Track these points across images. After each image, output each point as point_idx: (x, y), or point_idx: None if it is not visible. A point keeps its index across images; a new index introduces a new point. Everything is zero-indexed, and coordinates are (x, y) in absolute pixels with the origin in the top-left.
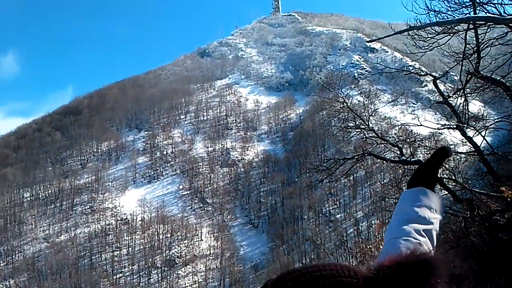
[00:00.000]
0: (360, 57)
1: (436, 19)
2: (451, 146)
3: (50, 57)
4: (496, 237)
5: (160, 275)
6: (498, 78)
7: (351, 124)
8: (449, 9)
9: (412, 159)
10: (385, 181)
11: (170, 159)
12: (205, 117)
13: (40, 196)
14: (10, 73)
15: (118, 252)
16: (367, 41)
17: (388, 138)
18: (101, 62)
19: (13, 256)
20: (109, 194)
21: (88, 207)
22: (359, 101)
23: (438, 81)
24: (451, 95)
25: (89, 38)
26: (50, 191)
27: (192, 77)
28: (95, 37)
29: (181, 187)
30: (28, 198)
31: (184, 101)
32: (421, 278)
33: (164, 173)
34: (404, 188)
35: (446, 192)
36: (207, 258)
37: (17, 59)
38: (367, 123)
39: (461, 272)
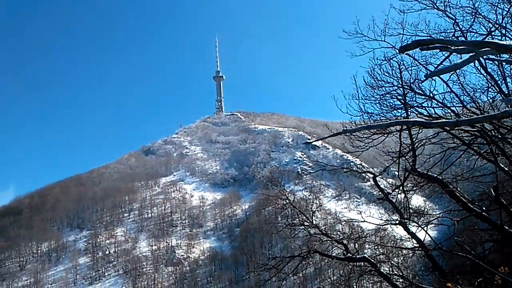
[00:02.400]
0: (303, 153)
1: (369, 120)
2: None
3: None
4: None
5: None
6: (435, 175)
7: (296, 221)
8: (382, 111)
9: (358, 256)
10: (334, 277)
11: (112, 259)
12: (150, 215)
13: None
14: None
15: None
16: (306, 142)
17: (333, 234)
18: (44, 161)
19: None
20: None
21: None
22: (303, 196)
23: (379, 177)
24: (391, 191)
25: (30, 138)
26: None
27: (136, 175)
28: (37, 136)
29: None
30: None
31: (128, 199)
32: None
33: (106, 274)
34: (353, 285)
35: None
36: None
37: None
38: (311, 220)
39: None
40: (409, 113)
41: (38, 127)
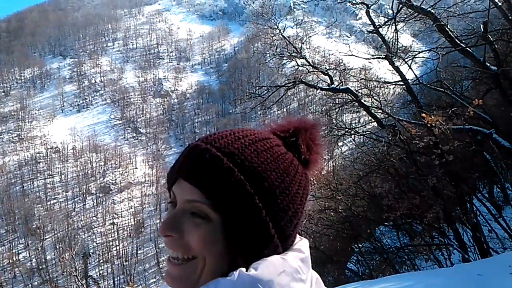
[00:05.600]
0: None
1: None
2: (380, 77)
3: None
4: (414, 160)
5: (95, 201)
6: (428, 8)
7: (285, 53)
8: None
9: (342, 87)
10: (316, 111)
11: (99, 88)
12: (135, 45)
13: None
14: None
15: (50, 179)
16: None
17: (320, 68)
18: None
19: None
20: (36, 123)
21: (16, 135)
22: (294, 33)
23: (371, 11)
24: (383, 25)
25: None
26: None
27: (118, 2)
28: None
29: (112, 116)
30: None
31: (111, 27)
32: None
33: (93, 102)
34: (333, 117)
35: (373, 120)
36: (143, 185)
37: None
38: (299, 51)
39: (381, 191)
40: None
41: None
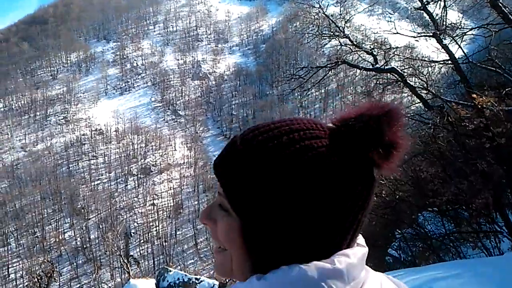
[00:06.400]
0: None
1: None
2: (425, 56)
3: None
4: (462, 143)
5: (136, 182)
6: None
7: (326, 32)
8: None
9: (386, 67)
10: (357, 93)
11: (140, 71)
12: (175, 28)
13: (13, 106)
14: None
15: (94, 160)
16: None
17: (363, 47)
18: None
19: None
20: (82, 105)
21: (62, 117)
22: (334, 11)
23: None
24: (430, 0)
25: None
26: (23, 102)
27: None
28: None
29: (153, 99)
30: (1, 109)
31: (152, 10)
32: (384, 125)
33: (135, 85)
34: (375, 98)
35: (418, 101)
36: (181, 167)
37: None
38: (342, 30)
39: (426, 176)
40: None
41: None
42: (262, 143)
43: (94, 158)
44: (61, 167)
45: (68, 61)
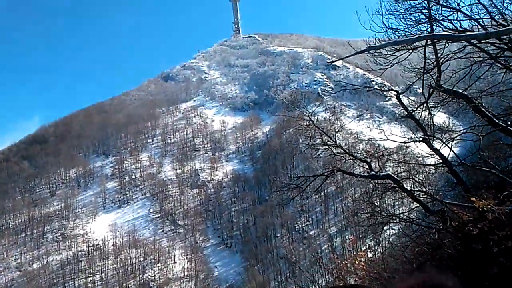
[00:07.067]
0: (323, 74)
1: (394, 36)
2: (419, 159)
3: (15, 88)
4: (470, 247)
5: None
6: (460, 91)
7: (318, 141)
8: (407, 26)
9: (381, 174)
10: (356, 195)
11: (139, 183)
12: (172, 140)
13: (10, 225)
14: None
15: (91, 278)
16: (328, 62)
17: (356, 153)
18: (66, 90)
19: None
20: (79, 221)
21: (59, 234)
22: (324, 118)
23: (401, 95)
24: (415, 109)
25: (52, 67)
26: (20, 220)
27: (157, 101)
28: (59, 65)
29: (151, 210)
30: None
31: (150, 125)
32: None
33: (134, 197)
34: (375, 203)
35: (417, 205)
36: (182, 281)
37: None
38: (334, 139)
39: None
40: (434, 27)
41: (58, 57)
42: None
43: (91, 275)
44: (56, 287)
45: (67, 177)
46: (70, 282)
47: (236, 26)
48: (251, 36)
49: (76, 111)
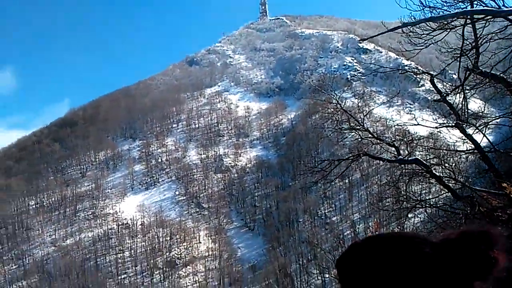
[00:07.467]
0: (353, 58)
1: (431, 15)
2: (450, 144)
3: (46, 72)
4: None
5: (162, 275)
6: (499, 74)
7: (345, 126)
8: (445, 4)
9: (410, 158)
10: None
11: (165, 167)
12: (197, 125)
13: (44, 203)
14: (8, 88)
15: (121, 254)
16: (359, 40)
17: (384, 139)
18: (94, 75)
19: (24, 260)
20: (109, 201)
21: (90, 213)
22: (353, 103)
23: (435, 79)
24: (450, 92)
25: (80, 52)
26: (53, 199)
27: (182, 86)
28: (87, 50)
29: (177, 193)
30: (33, 206)
31: (176, 110)
32: (483, 246)
33: (160, 180)
34: (402, 188)
35: (445, 191)
36: (206, 259)
37: (15, 75)
38: (361, 123)
39: None
40: (474, 5)
41: (88, 40)
42: (380, 252)
43: (121, 252)
44: (89, 261)
45: (97, 159)
46: (102, 258)
47: (263, 7)
48: (278, 18)
49: (104, 95)
